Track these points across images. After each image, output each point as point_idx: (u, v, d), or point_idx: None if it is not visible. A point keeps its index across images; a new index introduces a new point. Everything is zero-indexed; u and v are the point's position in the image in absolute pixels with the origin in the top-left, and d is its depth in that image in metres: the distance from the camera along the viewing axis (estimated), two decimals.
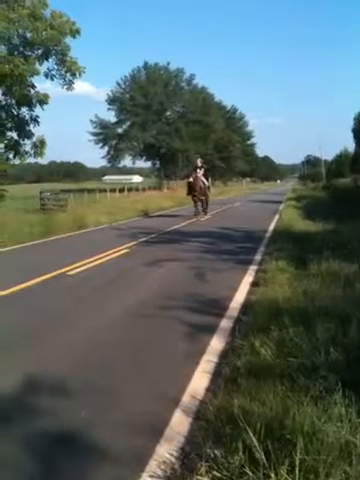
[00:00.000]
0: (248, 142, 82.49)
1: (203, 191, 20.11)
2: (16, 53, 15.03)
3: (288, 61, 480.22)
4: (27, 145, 16.92)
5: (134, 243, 12.33)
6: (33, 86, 16.47)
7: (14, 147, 17.14)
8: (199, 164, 20.39)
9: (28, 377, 3.94)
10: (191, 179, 19.86)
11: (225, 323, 5.36)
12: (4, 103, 16.44)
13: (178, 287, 7.34)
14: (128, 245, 11.89)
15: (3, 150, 17.28)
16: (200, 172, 20.18)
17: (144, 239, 13.17)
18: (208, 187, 21.04)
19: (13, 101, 16.57)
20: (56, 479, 2.72)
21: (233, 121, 71.98)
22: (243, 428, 2.72)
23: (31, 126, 16.87)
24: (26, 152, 17.05)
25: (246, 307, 5.89)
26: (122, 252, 10.94)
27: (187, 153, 50.30)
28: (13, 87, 14.82)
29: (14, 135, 17.01)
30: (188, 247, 11.59)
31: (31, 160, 18.57)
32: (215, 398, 3.42)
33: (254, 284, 7.35)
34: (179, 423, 3.23)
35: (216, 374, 3.98)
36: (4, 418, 3.34)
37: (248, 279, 7.86)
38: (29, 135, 16.80)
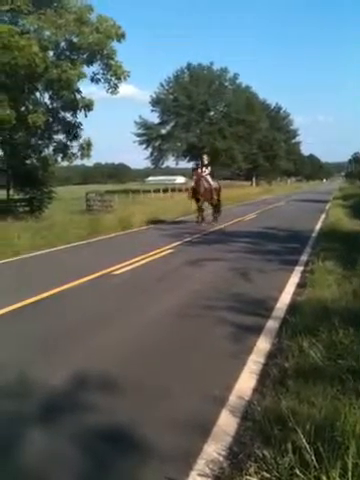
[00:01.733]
0: (293, 141, 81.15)
1: (210, 193, 17.22)
2: (63, 57, 15.42)
3: (333, 61, 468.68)
4: (74, 147, 17.35)
5: (178, 243, 12.39)
6: (79, 91, 16.84)
7: (62, 149, 17.61)
8: (205, 161, 18.04)
9: (77, 374, 4.04)
10: (193, 181, 17.20)
11: (271, 324, 5.31)
12: (51, 107, 16.92)
13: (222, 287, 7.32)
14: (172, 245, 11.96)
15: (52, 153, 17.81)
16: (206, 171, 17.47)
17: (188, 239, 13.21)
18: (216, 188, 17.80)
19: (60, 105, 17.02)
20: (105, 474, 2.77)
21: (277, 120, 70.98)
22: (292, 429, 2.69)
23: (78, 129, 17.28)
24: (73, 154, 17.49)
25: (293, 308, 5.80)
26: (166, 252, 11.02)
27: (230, 153, 50.06)
28: (60, 91, 15.25)
29: (62, 138, 17.49)
30: (232, 247, 11.53)
31: (77, 162, 19.03)
32: (263, 399, 3.40)
33: (300, 285, 7.24)
34: (226, 423, 3.22)
35: (263, 375, 3.95)
36: (55, 412, 3.44)
37: (294, 280, 7.74)
38: (76, 138, 17.22)
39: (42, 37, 14.45)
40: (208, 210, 17.94)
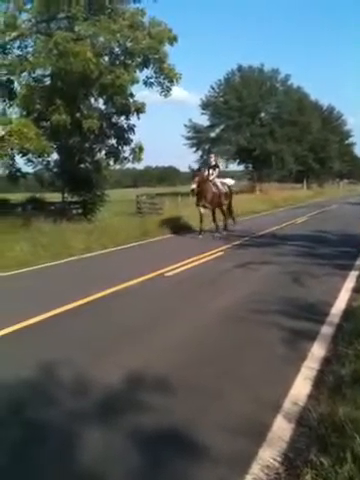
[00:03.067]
0: (346, 142, 78.87)
1: (218, 199, 14.86)
2: (117, 63, 15.74)
3: None
4: (126, 151, 17.64)
5: (228, 246, 12.35)
6: (131, 95, 17.13)
7: (114, 153, 17.96)
8: (213, 162, 15.47)
9: (131, 373, 4.11)
10: (194, 184, 14.03)
11: (326, 329, 5.19)
12: (105, 112, 17.31)
13: (274, 291, 7.23)
14: (222, 248, 11.94)
15: (104, 157, 18.21)
16: (214, 173, 15.05)
17: (238, 242, 13.14)
18: (227, 194, 15.39)
19: (113, 110, 17.38)
20: (159, 474, 2.80)
21: (330, 121, 69.23)
22: (351, 437, 2.63)
23: (129, 133, 17.58)
24: (125, 158, 17.78)
25: (349, 314, 5.65)
26: (216, 255, 11.02)
27: (281, 155, 49.35)
28: (114, 96, 15.58)
29: (114, 142, 17.82)
30: (283, 250, 11.37)
31: (128, 165, 19.35)
32: (318, 405, 3.34)
33: (356, 290, 7.03)
34: (281, 428, 3.19)
35: (318, 381, 3.87)
36: (111, 411, 3.52)
37: (349, 285, 7.54)
38: (128, 142, 17.51)
39: (96, 43, 14.79)
40: (219, 222, 15.42)
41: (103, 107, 17.41)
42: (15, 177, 17.34)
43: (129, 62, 15.62)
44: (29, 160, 17.53)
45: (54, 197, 20.46)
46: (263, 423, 3.24)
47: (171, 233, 15.84)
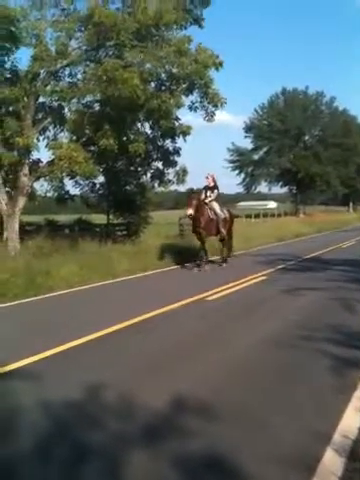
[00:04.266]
0: None
1: (215, 226, 13.21)
2: (163, 88, 16.08)
3: None
4: (170, 174, 17.88)
5: (272, 270, 12.19)
6: (177, 119, 17.43)
7: (159, 176, 18.24)
8: (211, 183, 13.51)
9: (175, 398, 4.08)
10: (191, 208, 12.36)
11: None
12: (151, 136, 17.67)
13: (321, 317, 7.06)
14: (266, 272, 11.80)
15: (149, 179, 18.53)
16: (212, 196, 13.35)
17: (282, 266, 12.96)
18: (225, 220, 13.72)
19: (159, 134, 17.73)
20: None
21: None
22: None
23: (174, 156, 17.84)
24: (169, 180, 18.01)
25: None
26: (260, 279, 10.89)
27: (327, 177, 48.68)
28: (160, 121, 15.89)
29: (159, 165, 18.14)
30: (329, 276, 11.11)
31: (171, 187, 19.58)
32: None
33: None
34: (332, 461, 3.07)
35: None
36: (155, 435, 3.50)
37: None
38: (173, 164, 17.76)
39: (143, 69, 15.19)
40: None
41: (149, 131, 17.79)
42: (63, 199, 17.93)
43: (175, 87, 15.91)
44: (77, 182, 18.13)
45: (100, 219, 20.95)
46: (312, 455, 3.13)
47: (214, 256, 15.79)
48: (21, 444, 3.34)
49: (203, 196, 13.19)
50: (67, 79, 15.77)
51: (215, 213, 13.19)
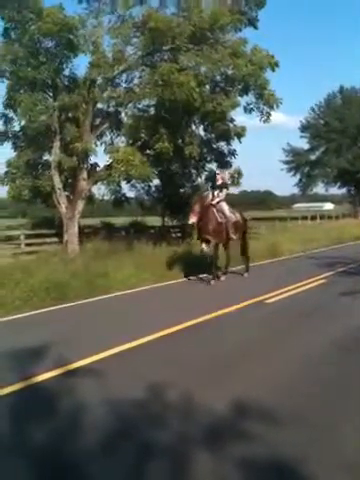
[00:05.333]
0: None
1: (225, 231, 11.29)
2: (218, 90, 16.07)
3: None
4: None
5: (331, 273, 11.85)
6: (232, 120, 17.38)
7: (213, 179, 18.24)
8: (219, 180, 11.87)
9: (237, 401, 4.03)
10: (194, 216, 10.76)
11: None
12: (206, 138, 17.73)
13: None
14: (325, 275, 11.49)
15: (204, 181, 18.58)
16: (221, 195, 11.53)
17: (341, 269, 12.56)
18: (237, 223, 11.69)
19: (213, 136, 17.76)
20: None
21: None
22: None
23: (229, 158, 17.84)
24: None
25: None
26: (319, 282, 10.62)
27: None
28: (215, 123, 15.91)
29: (213, 167, 18.17)
30: None
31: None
32: None
33: None
34: None
35: None
36: (218, 439, 3.48)
37: None
38: (228, 166, 17.74)
39: (199, 72, 15.23)
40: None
41: (203, 133, 17.84)
42: (120, 202, 18.33)
43: (230, 89, 15.86)
44: (132, 186, 18.47)
45: (154, 221, 21.21)
46: None
47: (271, 258, 15.59)
48: (87, 440, 3.41)
49: (210, 197, 11.44)
50: (123, 85, 16.11)
51: (224, 215, 11.31)
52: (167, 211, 20.30)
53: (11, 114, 14.92)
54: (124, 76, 16.10)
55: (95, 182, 15.61)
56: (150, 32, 14.10)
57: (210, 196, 11.45)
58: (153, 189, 19.70)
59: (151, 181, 17.46)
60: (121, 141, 16.87)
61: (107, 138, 17.15)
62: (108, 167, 14.85)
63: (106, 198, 17.77)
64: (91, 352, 5.34)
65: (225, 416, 3.78)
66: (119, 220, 21.79)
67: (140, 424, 3.68)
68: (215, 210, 11.14)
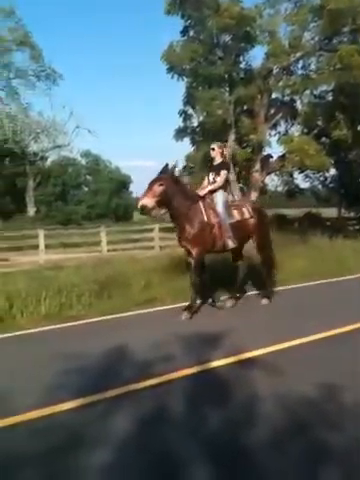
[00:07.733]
0: None
1: (214, 236, 6.86)
2: None
3: None
4: None
5: None
6: None
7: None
8: (217, 158, 7.24)
9: None
10: (145, 198, 6.33)
11: None
12: None
13: None
14: None
15: None
16: (217, 180, 7.01)
17: None
18: (247, 222, 7.23)
19: None
20: None
21: None
22: None
23: None
24: None
25: None
26: None
27: None
28: None
29: None
30: None
31: None
32: None
33: None
34: None
35: None
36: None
37: None
38: None
39: None
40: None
41: None
42: (293, 193, 17.97)
43: None
44: (307, 176, 17.94)
45: (329, 212, 20.26)
46: None
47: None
48: (258, 435, 3.44)
49: (206, 182, 7.27)
50: (299, 72, 15.67)
51: (215, 213, 6.93)
52: (344, 202, 19.25)
53: (190, 111, 15.70)
54: (300, 63, 15.68)
55: (268, 173, 15.55)
56: (329, 14, 13.42)
57: (207, 182, 7.28)
58: (329, 179, 18.86)
59: (327, 171, 16.70)
60: (295, 130, 16.49)
61: (281, 128, 16.92)
62: (282, 158, 14.65)
63: (279, 189, 17.62)
64: (264, 344, 5.32)
65: None
66: (291, 212, 21.37)
67: (313, 423, 3.57)
68: (202, 205, 6.96)
